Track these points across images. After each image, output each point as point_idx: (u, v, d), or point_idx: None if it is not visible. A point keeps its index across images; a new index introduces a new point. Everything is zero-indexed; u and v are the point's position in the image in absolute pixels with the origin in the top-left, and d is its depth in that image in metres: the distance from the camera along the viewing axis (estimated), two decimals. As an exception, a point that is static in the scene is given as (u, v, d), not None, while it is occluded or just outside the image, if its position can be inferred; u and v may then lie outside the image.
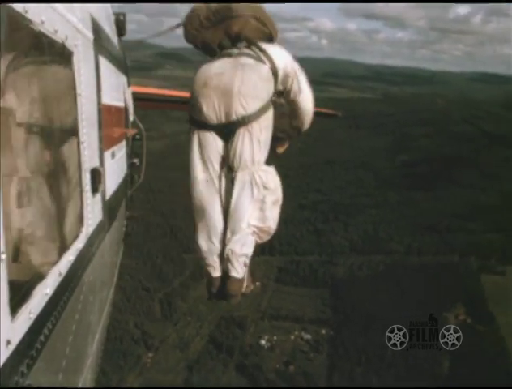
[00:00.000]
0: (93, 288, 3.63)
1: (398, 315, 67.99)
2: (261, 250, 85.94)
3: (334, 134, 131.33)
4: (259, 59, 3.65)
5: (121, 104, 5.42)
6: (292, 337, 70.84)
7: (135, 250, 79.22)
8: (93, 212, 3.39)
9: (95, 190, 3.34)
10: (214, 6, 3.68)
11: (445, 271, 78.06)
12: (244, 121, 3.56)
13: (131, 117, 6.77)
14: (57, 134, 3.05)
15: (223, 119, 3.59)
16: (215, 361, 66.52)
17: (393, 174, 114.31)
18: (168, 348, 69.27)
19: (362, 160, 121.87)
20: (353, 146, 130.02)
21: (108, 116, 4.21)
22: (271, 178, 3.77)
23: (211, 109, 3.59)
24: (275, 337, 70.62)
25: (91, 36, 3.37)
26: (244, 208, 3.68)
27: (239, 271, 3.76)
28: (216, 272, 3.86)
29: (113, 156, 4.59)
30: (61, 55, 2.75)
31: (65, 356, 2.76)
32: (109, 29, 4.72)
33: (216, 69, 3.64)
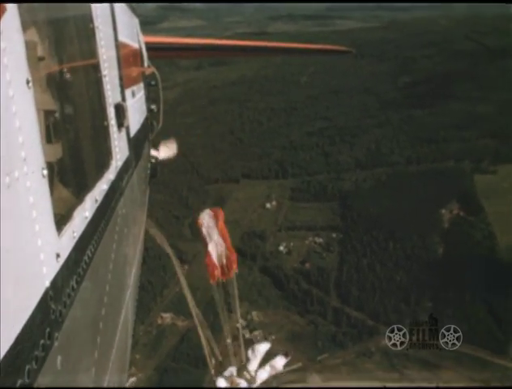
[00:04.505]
0: (126, 222, 3.94)
1: (399, 215, 76.72)
2: (275, 174, 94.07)
3: (339, 65, 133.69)
4: None
5: (135, 44, 5.36)
6: (307, 242, 78.16)
7: (163, 186, 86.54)
8: (120, 147, 3.58)
9: (120, 124, 3.54)
10: None
11: (441, 176, 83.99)
12: None
13: (145, 63, 6.96)
14: (79, 67, 3.08)
15: None
16: (241, 267, 75.40)
17: (395, 96, 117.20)
18: (200, 260, 74.49)
19: (365, 85, 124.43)
20: (357, 74, 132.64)
21: (125, 54, 4.31)
22: None
23: None
24: (291, 243, 78.36)
25: None
26: None
27: None
28: None
29: (133, 94, 4.70)
30: None
31: (107, 281, 3.04)
32: None
33: None
